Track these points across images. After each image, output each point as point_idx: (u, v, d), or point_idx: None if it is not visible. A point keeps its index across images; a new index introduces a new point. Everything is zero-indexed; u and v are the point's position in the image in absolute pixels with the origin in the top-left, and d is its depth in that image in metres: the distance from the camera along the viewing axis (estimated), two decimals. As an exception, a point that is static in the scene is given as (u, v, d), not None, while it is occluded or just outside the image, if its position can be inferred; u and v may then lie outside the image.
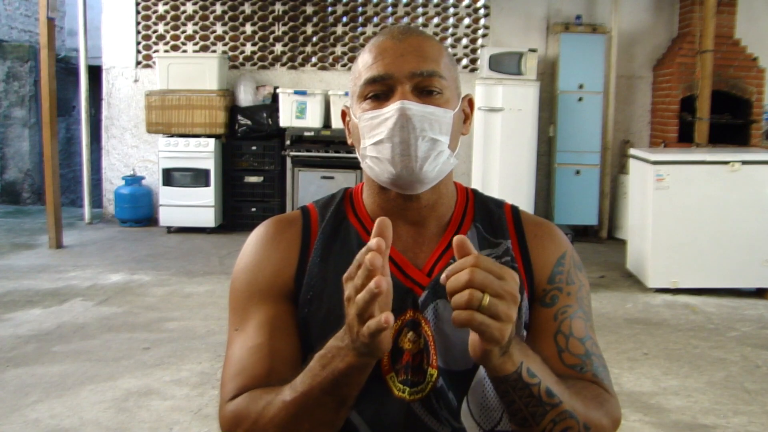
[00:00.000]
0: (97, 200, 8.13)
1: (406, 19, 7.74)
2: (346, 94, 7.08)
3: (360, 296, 0.88)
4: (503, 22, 7.69)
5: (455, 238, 0.91)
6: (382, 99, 1.12)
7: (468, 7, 7.74)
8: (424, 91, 1.12)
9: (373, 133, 1.12)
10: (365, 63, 1.14)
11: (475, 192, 1.28)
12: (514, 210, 1.26)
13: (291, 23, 7.80)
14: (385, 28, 1.23)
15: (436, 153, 1.12)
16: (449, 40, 7.74)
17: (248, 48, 7.85)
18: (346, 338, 0.96)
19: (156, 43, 7.84)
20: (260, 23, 7.82)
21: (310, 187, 7.07)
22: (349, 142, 1.22)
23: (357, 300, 0.88)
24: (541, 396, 1.00)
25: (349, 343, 0.95)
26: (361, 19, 7.80)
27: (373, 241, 0.88)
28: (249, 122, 7.35)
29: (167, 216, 7.27)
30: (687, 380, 3.74)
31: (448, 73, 1.15)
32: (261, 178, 7.41)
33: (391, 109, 1.10)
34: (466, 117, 1.21)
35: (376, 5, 7.76)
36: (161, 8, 7.82)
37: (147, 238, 7.10)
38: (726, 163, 5.31)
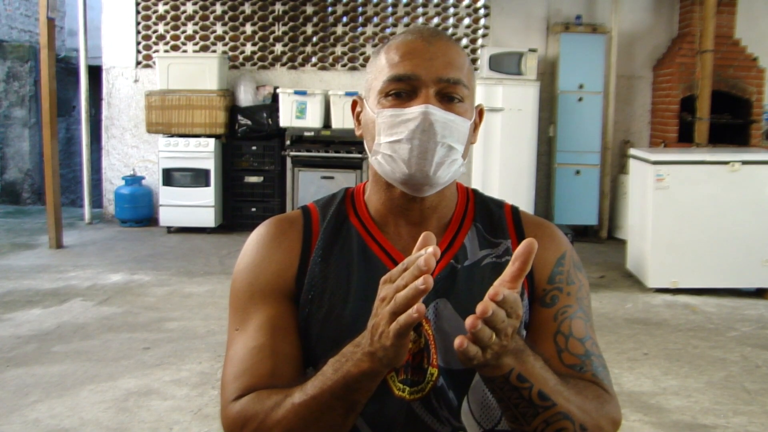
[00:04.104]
0: (97, 200, 8.13)
1: (406, 19, 7.74)
2: (347, 94, 7.09)
3: (402, 293, 0.88)
4: (503, 22, 7.69)
5: (527, 242, 0.91)
6: (404, 98, 1.12)
7: (468, 7, 7.74)
8: (447, 97, 1.12)
9: (392, 131, 1.12)
10: (391, 60, 1.14)
11: (475, 192, 1.28)
12: (514, 210, 1.26)
13: (291, 23, 7.80)
14: (413, 27, 1.23)
15: (451, 160, 1.13)
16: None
17: (248, 48, 7.85)
18: (364, 342, 0.96)
19: (156, 43, 7.84)
20: (260, 23, 7.82)
21: (310, 187, 7.07)
22: (358, 133, 1.22)
23: (396, 297, 0.89)
24: (532, 398, 1.00)
25: (366, 347, 0.95)
26: (361, 19, 7.80)
27: (431, 248, 0.89)
28: (249, 122, 7.35)
29: (167, 216, 7.27)
30: (687, 380, 3.75)
31: (469, 82, 1.16)
32: (261, 178, 7.41)
33: (415, 111, 1.10)
34: (476, 126, 1.22)
35: (376, 5, 7.76)
36: (161, 8, 7.81)
37: (147, 238, 7.10)
38: (726, 163, 5.31)
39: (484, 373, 0.98)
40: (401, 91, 1.12)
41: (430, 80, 1.11)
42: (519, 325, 0.93)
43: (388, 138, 1.12)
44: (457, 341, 0.88)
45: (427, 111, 1.09)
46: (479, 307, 0.87)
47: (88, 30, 7.91)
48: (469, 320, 0.87)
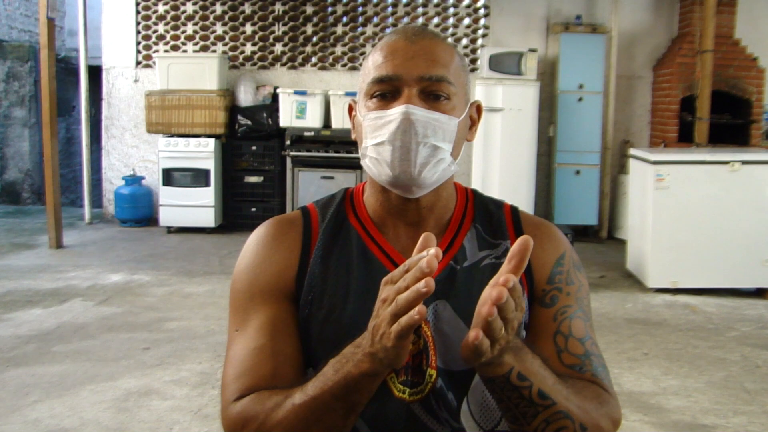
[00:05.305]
0: (97, 200, 8.13)
1: (406, 19, 7.74)
2: (347, 94, 7.09)
3: (403, 295, 0.88)
4: (503, 22, 7.69)
5: (523, 240, 0.92)
6: (389, 99, 1.12)
7: (468, 7, 7.74)
8: (431, 95, 1.11)
9: (376, 133, 1.12)
10: (375, 61, 1.13)
11: (474, 192, 1.28)
12: (514, 210, 1.26)
13: (291, 23, 7.80)
14: (399, 27, 1.23)
15: (437, 160, 1.12)
16: (449, 40, 7.72)
17: (248, 48, 7.85)
18: (364, 343, 0.96)
19: (156, 43, 7.84)
20: (260, 23, 7.82)
21: (310, 187, 7.07)
22: (353, 137, 1.22)
23: (398, 299, 0.89)
24: (532, 398, 1.00)
25: (366, 348, 0.95)
26: (361, 19, 7.80)
27: (432, 249, 0.89)
28: (249, 122, 7.35)
29: (167, 216, 7.27)
30: (687, 380, 3.75)
31: (457, 78, 1.14)
32: (261, 178, 7.41)
33: (395, 112, 1.09)
34: (473, 123, 1.21)
35: (376, 5, 7.76)
36: (161, 8, 7.81)
37: (147, 238, 7.10)
38: (726, 163, 5.31)
39: (485, 372, 0.98)
40: (385, 92, 1.12)
41: (411, 79, 1.10)
42: (518, 327, 0.93)
43: (373, 141, 1.12)
44: (472, 334, 0.88)
45: (407, 111, 1.08)
46: (494, 293, 0.86)
47: (88, 30, 7.91)
48: (485, 308, 0.87)
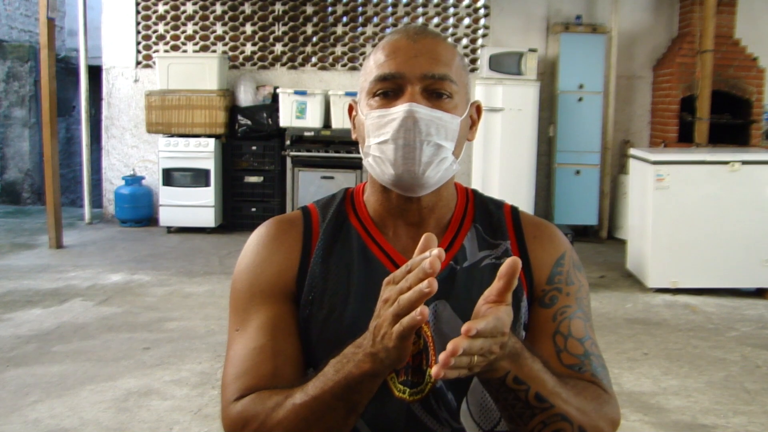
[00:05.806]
0: (97, 200, 8.13)
1: (406, 19, 7.74)
2: (347, 94, 7.09)
3: (406, 295, 0.88)
4: (503, 22, 7.69)
5: (511, 261, 0.92)
6: (391, 97, 1.11)
7: (468, 7, 7.74)
8: (434, 93, 1.11)
9: (379, 132, 1.11)
10: (377, 60, 1.13)
11: (475, 192, 1.27)
12: (514, 211, 1.26)
13: (291, 23, 7.80)
14: (401, 27, 1.23)
15: (440, 159, 1.11)
16: (449, 40, 7.72)
17: (248, 48, 7.85)
18: (365, 344, 0.96)
19: (156, 43, 7.84)
20: (260, 23, 7.82)
21: (310, 187, 7.07)
22: (354, 137, 1.21)
23: (400, 299, 0.89)
24: (529, 400, 1.00)
25: (368, 348, 0.95)
26: (361, 19, 7.80)
27: (435, 250, 0.89)
28: (249, 122, 7.35)
29: (167, 216, 7.27)
30: (687, 380, 3.75)
31: (459, 77, 1.14)
32: (261, 178, 7.41)
33: (399, 110, 1.09)
34: (473, 123, 1.21)
35: (376, 5, 7.76)
36: (161, 8, 7.81)
37: (147, 238, 7.10)
38: (726, 163, 5.31)
39: (480, 376, 0.98)
40: (387, 90, 1.11)
41: (414, 77, 1.10)
42: (518, 327, 0.93)
43: (376, 139, 1.12)
44: (434, 371, 0.86)
45: (410, 109, 1.08)
46: (450, 345, 0.85)
47: (88, 30, 7.91)
48: (442, 356, 0.85)
